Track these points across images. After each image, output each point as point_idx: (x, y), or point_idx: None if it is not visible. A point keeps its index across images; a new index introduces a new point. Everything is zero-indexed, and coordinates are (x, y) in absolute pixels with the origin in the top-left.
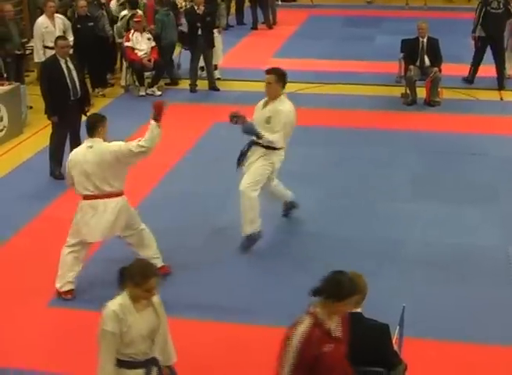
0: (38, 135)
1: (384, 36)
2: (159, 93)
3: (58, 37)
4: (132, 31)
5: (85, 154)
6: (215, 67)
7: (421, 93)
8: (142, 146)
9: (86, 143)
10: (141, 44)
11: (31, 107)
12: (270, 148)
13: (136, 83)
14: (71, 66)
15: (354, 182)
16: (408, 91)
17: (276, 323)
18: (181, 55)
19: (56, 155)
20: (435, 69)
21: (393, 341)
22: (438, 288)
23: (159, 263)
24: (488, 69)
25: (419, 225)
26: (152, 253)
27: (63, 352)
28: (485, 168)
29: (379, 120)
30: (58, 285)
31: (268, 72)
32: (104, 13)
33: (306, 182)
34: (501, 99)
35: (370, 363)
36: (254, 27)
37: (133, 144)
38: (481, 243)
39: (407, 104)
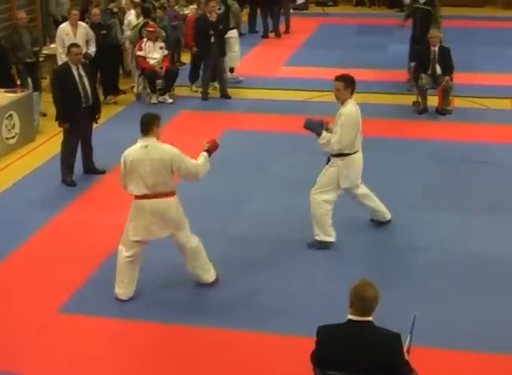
0: (50, 142)
1: (396, 44)
2: (171, 101)
3: (71, 45)
4: (145, 40)
5: (139, 153)
6: (232, 70)
7: (433, 101)
8: (198, 167)
9: (140, 142)
10: (154, 53)
11: (45, 114)
12: (338, 154)
13: (148, 90)
14: (83, 74)
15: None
16: (420, 100)
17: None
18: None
19: (67, 162)
20: (447, 77)
21: (405, 350)
22: (450, 297)
23: (210, 278)
24: (499, 78)
25: (431, 234)
26: (199, 267)
27: (73, 359)
28: (497, 177)
29: (391, 129)
30: (116, 292)
31: (337, 79)
32: (117, 22)
33: None
34: None
35: (380, 372)
36: (265, 36)
37: (191, 162)
38: (494, 252)
39: (418, 112)
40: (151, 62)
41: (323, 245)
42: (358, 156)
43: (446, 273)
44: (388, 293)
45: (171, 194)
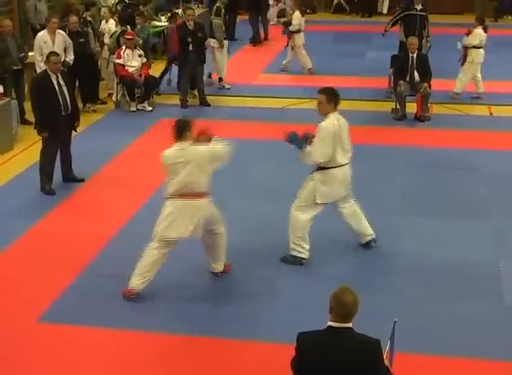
0: (29, 150)
1: (374, 51)
2: (150, 108)
3: (50, 53)
4: (123, 48)
5: (177, 156)
6: (220, 79)
7: (411, 108)
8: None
9: (176, 146)
10: (133, 60)
11: (32, 123)
12: (318, 168)
13: (127, 98)
14: (62, 82)
15: None
16: (398, 107)
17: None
18: (171, 71)
19: (46, 170)
20: (425, 84)
21: (384, 356)
22: (428, 303)
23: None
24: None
25: (410, 239)
26: (217, 261)
27: (52, 370)
28: (475, 182)
29: (369, 135)
30: (132, 284)
31: (320, 91)
32: (90, 30)
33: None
34: (491, 114)
35: None
36: (257, 41)
37: (219, 147)
38: (472, 257)
39: (397, 119)
40: (130, 69)
41: (296, 261)
42: (340, 171)
43: (424, 278)
44: (367, 299)
45: (207, 194)
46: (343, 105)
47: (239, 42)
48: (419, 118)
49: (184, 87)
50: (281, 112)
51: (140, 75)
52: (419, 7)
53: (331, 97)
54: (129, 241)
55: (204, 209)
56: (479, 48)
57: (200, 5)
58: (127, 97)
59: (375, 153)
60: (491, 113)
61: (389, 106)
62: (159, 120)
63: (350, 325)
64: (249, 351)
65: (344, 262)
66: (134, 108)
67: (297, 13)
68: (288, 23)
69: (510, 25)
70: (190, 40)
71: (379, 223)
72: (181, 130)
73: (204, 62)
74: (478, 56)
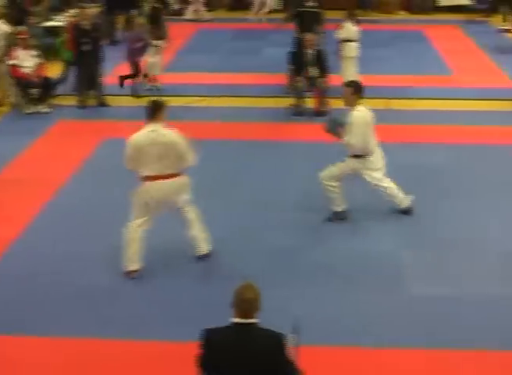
0: None
1: (271, 48)
2: (48, 110)
3: None
4: (17, 48)
5: (148, 137)
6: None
7: (310, 103)
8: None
9: (147, 128)
10: (27, 61)
11: None
12: (353, 156)
13: (23, 100)
14: None
15: (248, 193)
16: (297, 102)
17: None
18: (68, 71)
19: None
20: (323, 79)
21: (290, 350)
22: (332, 294)
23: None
24: (375, 79)
25: (312, 233)
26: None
27: None
28: None
29: (270, 131)
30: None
31: (346, 85)
32: None
33: (204, 195)
34: (387, 108)
35: (267, 373)
36: None
37: (190, 152)
38: (375, 248)
39: (296, 114)
40: (25, 70)
41: (337, 216)
42: (374, 158)
43: (329, 270)
44: (272, 293)
45: (179, 174)
46: (243, 101)
47: None
48: (318, 113)
49: (81, 87)
50: (181, 110)
51: (36, 76)
52: (310, 3)
53: (355, 89)
54: (31, 244)
55: (175, 189)
56: (351, 41)
57: (95, 5)
58: (23, 98)
59: (275, 149)
60: (388, 107)
61: (288, 102)
62: (57, 122)
63: (253, 320)
64: (148, 350)
65: (247, 258)
66: (31, 111)
67: None
68: None
69: (405, 20)
70: (85, 40)
71: (280, 218)
72: (154, 111)
73: (101, 62)
74: (349, 50)
